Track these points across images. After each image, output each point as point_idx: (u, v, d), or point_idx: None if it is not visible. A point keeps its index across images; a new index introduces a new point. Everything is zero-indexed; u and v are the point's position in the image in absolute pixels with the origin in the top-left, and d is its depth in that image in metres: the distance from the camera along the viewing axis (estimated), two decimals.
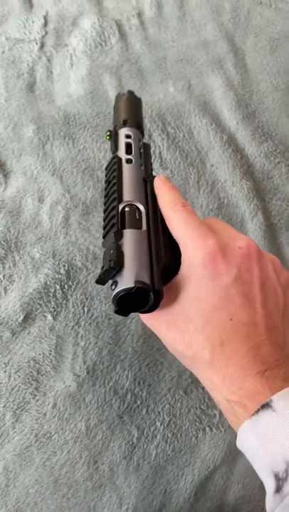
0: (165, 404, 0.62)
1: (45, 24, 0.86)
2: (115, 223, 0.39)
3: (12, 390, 0.61)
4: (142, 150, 0.51)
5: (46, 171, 0.73)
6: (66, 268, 0.67)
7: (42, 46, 0.84)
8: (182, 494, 0.59)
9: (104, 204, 0.44)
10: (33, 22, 0.86)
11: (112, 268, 0.35)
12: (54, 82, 0.81)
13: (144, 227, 0.39)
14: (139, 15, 0.87)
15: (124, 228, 0.39)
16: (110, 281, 0.36)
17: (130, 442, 0.60)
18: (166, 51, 0.85)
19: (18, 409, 0.60)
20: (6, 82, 0.80)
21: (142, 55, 0.84)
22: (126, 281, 0.34)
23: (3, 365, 0.62)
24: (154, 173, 0.74)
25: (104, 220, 0.42)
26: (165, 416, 0.61)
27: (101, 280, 0.36)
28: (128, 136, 0.50)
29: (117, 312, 0.35)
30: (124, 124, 0.53)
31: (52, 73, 0.82)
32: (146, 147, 0.53)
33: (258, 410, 0.30)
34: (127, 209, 0.41)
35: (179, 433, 0.61)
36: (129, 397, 0.62)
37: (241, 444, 0.31)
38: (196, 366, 0.34)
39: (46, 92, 0.80)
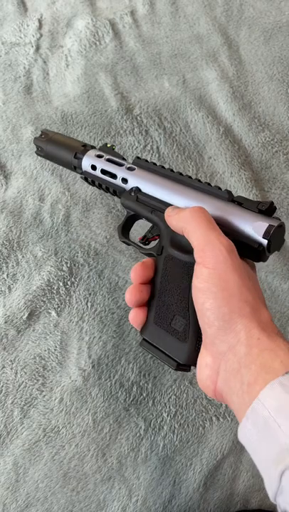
0: (171, 396, 0.62)
1: (40, 27, 0.87)
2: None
3: (19, 386, 0.62)
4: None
5: (46, 170, 0.74)
6: (68, 265, 0.68)
7: (37, 49, 0.85)
8: (191, 484, 0.59)
9: None
10: (28, 25, 0.87)
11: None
12: (51, 83, 0.82)
13: None
14: (132, 13, 0.88)
15: None
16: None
17: (138, 434, 0.60)
18: (160, 47, 0.85)
19: (25, 405, 0.61)
20: (3, 86, 0.81)
21: (136, 52, 0.84)
22: (273, 219, 0.40)
23: (10, 363, 0.63)
24: None
25: None
26: (171, 407, 0.62)
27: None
28: (100, 156, 0.53)
29: (269, 246, 0.39)
30: (85, 147, 0.56)
31: (48, 74, 0.83)
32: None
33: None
34: None
35: (186, 423, 0.61)
36: (135, 389, 0.62)
37: (265, 398, 0.31)
38: (253, 314, 0.35)
39: (43, 93, 0.81)
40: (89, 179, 0.54)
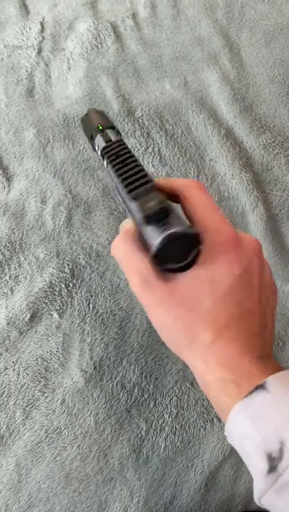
0: (172, 397, 0.62)
1: (42, 30, 0.87)
2: (149, 178, 0.39)
3: (21, 387, 0.62)
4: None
5: (48, 172, 0.74)
6: (70, 267, 0.68)
7: (39, 51, 0.85)
8: (192, 485, 0.59)
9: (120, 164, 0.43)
10: (30, 28, 0.87)
11: (165, 208, 0.34)
12: (52, 85, 0.83)
13: None
14: (134, 16, 0.88)
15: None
16: (150, 227, 0.35)
17: (139, 435, 0.60)
18: (161, 50, 0.85)
19: (27, 407, 0.61)
20: (5, 89, 0.82)
21: (138, 54, 0.85)
22: (181, 224, 0.34)
23: (12, 364, 0.63)
24: (153, 170, 0.76)
25: (126, 178, 0.41)
26: (173, 408, 0.62)
27: (157, 213, 0.34)
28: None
29: (158, 252, 0.34)
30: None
31: (50, 77, 0.83)
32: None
33: (252, 391, 0.30)
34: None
35: (187, 425, 0.61)
36: (136, 390, 0.62)
37: (231, 428, 0.31)
38: (191, 347, 0.33)
39: (45, 96, 0.82)
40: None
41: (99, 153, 0.50)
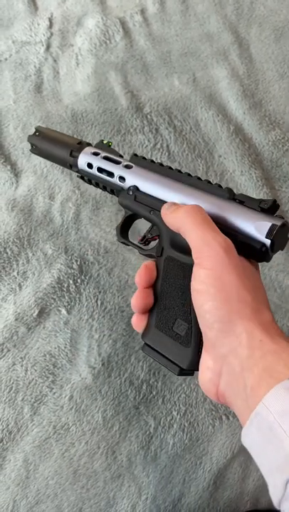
0: (181, 394, 0.62)
1: (51, 26, 0.87)
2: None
3: (29, 383, 0.62)
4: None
5: (56, 168, 0.74)
6: (78, 263, 0.68)
7: (48, 47, 0.85)
8: (201, 483, 0.59)
9: None
10: (38, 24, 0.87)
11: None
12: (61, 81, 0.83)
13: None
14: (142, 11, 0.88)
15: None
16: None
17: (147, 432, 0.60)
18: (170, 45, 0.85)
19: (35, 402, 0.61)
20: (14, 84, 0.82)
21: (147, 50, 0.84)
22: (276, 218, 0.39)
23: (20, 360, 0.63)
24: None
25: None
26: (181, 405, 0.61)
27: (275, 203, 0.40)
28: (96, 154, 0.51)
29: (273, 245, 0.38)
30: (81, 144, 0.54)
31: (58, 73, 0.83)
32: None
33: None
34: None
35: (196, 422, 0.61)
36: (144, 387, 0.62)
37: (270, 402, 0.30)
38: (254, 315, 0.35)
39: (53, 92, 0.82)
40: (85, 178, 0.53)
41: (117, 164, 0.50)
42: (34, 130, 0.58)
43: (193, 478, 0.59)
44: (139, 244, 0.47)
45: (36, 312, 0.65)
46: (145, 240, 0.47)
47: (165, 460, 0.59)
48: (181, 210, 0.39)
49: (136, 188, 0.47)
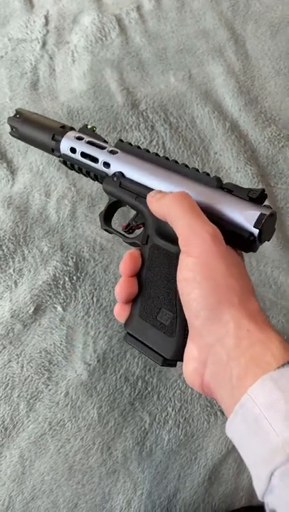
0: (176, 390, 0.62)
1: (46, 23, 0.87)
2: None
3: (25, 380, 0.62)
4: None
5: (52, 166, 0.74)
6: (74, 260, 0.68)
7: (44, 45, 0.85)
8: (196, 478, 0.59)
9: None
10: (34, 22, 0.87)
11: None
12: (57, 79, 0.83)
13: None
14: (138, 8, 0.88)
15: None
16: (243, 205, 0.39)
17: (142, 428, 0.60)
18: (166, 42, 0.85)
19: (31, 399, 0.61)
20: (10, 82, 0.82)
21: (142, 47, 0.84)
22: (264, 208, 0.39)
23: (16, 357, 0.63)
24: None
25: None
26: (176, 401, 0.62)
27: (263, 192, 0.40)
28: (80, 138, 0.50)
29: (261, 235, 0.38)
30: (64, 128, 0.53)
31: (54, 70, 0.83)
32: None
33: (285, 364, 0.30)
34: None
35: (191, 418, 0.61)
36: (140, 383, 0.62)
37: (256, 394, 0.30)
38: (242, 304, 0.34)
39: (49, 89, 0.82)
40: (68, 163, 0.51)
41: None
42: (15, 112, 0.56)
43: (189, 474, 0.59)
44: (122, 232, 0.47)
45: (32, 309, 0.65)
46: (129, 228, 0.46)
47: (160, 456, 0.60)
48: (168, 197, 0.39)
49: (121, 174, 0.46)
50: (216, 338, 0.34)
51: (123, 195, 0.46)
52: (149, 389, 0.62)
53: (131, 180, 0.45)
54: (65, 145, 0.50)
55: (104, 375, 0.62)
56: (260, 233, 0.38)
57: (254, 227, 0.38)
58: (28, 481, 0.58)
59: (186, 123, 0.78)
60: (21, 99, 0.80)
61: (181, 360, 0.38)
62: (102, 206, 0.72)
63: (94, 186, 0.73)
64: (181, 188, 0.41)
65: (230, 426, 0.31)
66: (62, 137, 0.51)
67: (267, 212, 0.38)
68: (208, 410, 0.61)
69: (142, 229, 0.45)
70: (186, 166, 0.43)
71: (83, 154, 0.49)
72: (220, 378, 0.33)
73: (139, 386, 0.62)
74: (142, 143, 0.76)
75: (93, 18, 0.86)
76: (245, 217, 0.38)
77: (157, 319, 0.40)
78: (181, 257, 0.37)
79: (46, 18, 0.88)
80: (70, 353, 0.64)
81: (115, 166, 0.47)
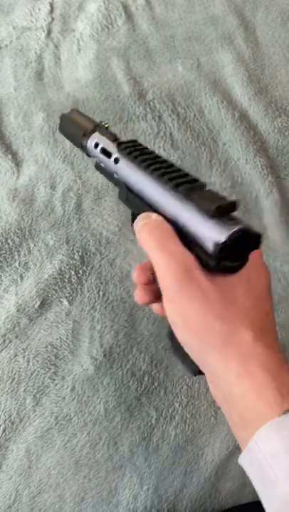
0: (183, 386, 0.62)
1: (52, 11, 0.85)
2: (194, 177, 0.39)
3: (31, 374, 0.62)
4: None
5: (57, 157, 0.73)
6: (80, 253, 0.67)
7: (49, 33, 0.83)
8: (203, 474, 0.59)
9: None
10: (39, 9, 0.85)
11: (237, 203, 0.33)
12: (62, 68, 0.81)
13: None
14: None
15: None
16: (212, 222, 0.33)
17: (149, 423, 0.60)
18: (173, 30, 0.83)
19: (37, 393, 0.61)
20: (14, 72, 0.80)
21: (150, 35, 0.82)
22: (245, 223, 0.33)
23: (22, 351, 0.63)
24: (165, 155, 0.74)
25: (165, 174, 0.40)
26: (183, 397, 0.61)
27: (230, 205, 0.33)
28: (96, 145, 0.49)
29: (227, 243, 0.32)
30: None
31: (60, 59, 0.82)
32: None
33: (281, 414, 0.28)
34: None
35: (198, 413, 0.61)
36: (146, 379, 0.62)
37: (261, 440, 0.28)
38: (226, 347, 0.31)
39: (55, 78, 0.80)
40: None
41: (102, 150, 0.48)
42: (70, 110, 0.57)
43: (195, 469, 0.59)
44: None
45: (38, 303, 0.65)
46: None
47: (167, 451, 0.59)
48: (145, 230, 0.36)
49: (126, 186, 0.44)
50: (211, 377, 0.33)
51: (132, 207, 0.45)
52: (156, 384, 0.62)
53: (134, 193, 0.43)
54: (90, 152, 0.51)
55: (110, 369, 0.62)
56: (217, 262, 0.33)
57: (211, 255, 0.33)
58: (35, 475, 0.58)
59: (194, 113, 0.76)
60: (26, 89, 0.79)
61: None
62: (108, 199, 0.71)
63: (100, 179, 0.72)
64: (171, 214, 0.37)
65: (242, 461, 0.32)
66: (87, 142, 0.50)
67: (224, 236, 0.32)
68: (215, 406, 0.61)
69: None
70: (180, 170, 0.41)
71: (97, 166, 0.49)
72: (225, 411, 0.33)
73: (145, 381, 0.62)
74: (149, 134, 0.74)
75: (99, 5, 0.84)
76: (206, 241, 0.33)
77: None
78: (162, 297, 0.34)
79: (51, 5, 0.86)
80: (77, 347, 0.63)
81: (120, 177, 0.45)
